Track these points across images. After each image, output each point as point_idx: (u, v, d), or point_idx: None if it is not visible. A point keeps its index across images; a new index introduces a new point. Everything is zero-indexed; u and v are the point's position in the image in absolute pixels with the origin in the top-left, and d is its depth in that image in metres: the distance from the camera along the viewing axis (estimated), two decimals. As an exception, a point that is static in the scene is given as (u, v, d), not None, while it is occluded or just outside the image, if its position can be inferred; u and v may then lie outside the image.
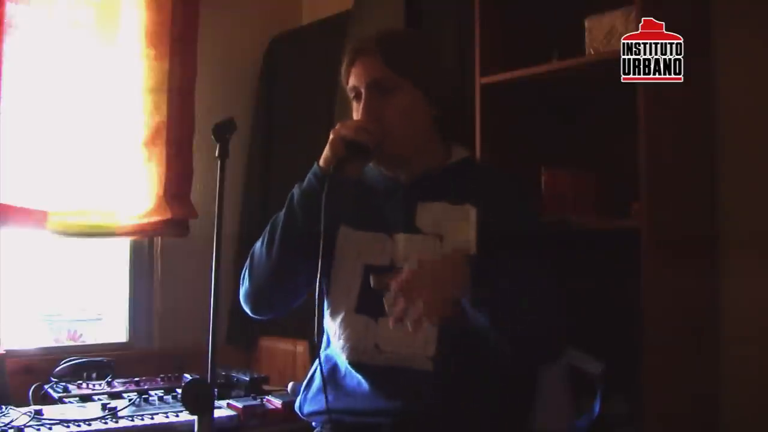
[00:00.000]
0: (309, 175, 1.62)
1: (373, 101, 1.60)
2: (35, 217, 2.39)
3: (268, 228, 1.65)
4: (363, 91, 1.61)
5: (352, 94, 1.65)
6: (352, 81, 1.63)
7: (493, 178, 1.69)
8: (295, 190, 1.64)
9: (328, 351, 1.69)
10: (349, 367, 1.62)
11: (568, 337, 1.58)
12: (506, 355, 1.51)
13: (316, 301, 1.54)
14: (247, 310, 1.72)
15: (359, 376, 1.60)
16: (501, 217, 1.56)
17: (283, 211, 1.64)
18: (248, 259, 1.69)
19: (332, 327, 1.66)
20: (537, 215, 1.73)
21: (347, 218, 1.63)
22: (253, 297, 1.69)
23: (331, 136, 1.58)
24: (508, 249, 1.51)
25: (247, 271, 1.68)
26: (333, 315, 1.66)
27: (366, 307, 1.61)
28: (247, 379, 2.39)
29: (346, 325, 1.62)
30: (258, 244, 1.67)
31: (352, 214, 1.63)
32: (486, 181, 1.67)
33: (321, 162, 1.60)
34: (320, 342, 1.67)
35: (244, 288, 1.69)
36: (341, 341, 1.62)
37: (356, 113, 1.65)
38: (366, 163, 1.62)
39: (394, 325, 1.40)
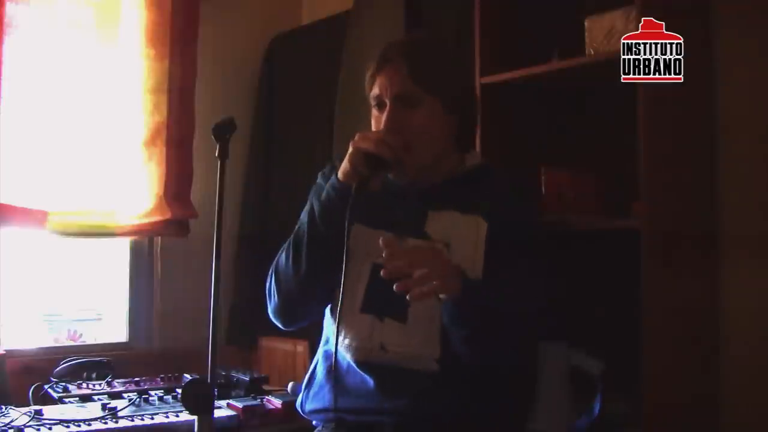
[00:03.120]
0: (328, 188, 1.62)
1: (398, 113, 1.60)
2: (35, 217, 2.39)
3: (290, 242, 1.66)
4: (387, 102, 1.61)
5: (374, 102, 1.65)
6: (376, 90, 1.63)
7: (499, 186, 1.70)
8: (315, 203, 1.64)
9: (327, 347, 1.70)
10: (352, 365, 1.62)
11: (552, 317, 1.61)
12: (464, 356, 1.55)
13: (339, 301, 1.55)
14: (279, 324, 1.74)
15: (364, 375, 1.60)
16: (504, 227, 1.58)
17: (305, 225, 1.64)
18: (272, 274, 1.70)
19: (336, 325, 1.66)
20: (539, 226, 1.73)
21: (360, 216, 1.63)
22: (284, 311, 1.70)
23: (350, 149, 1.58)
24: (506, 261, 1.53)
25: (273, 287, 1.69)
26: (335, 313, 1.66)
27: (372, 307, 1.61)
28: (247, 379, 2.39)
29: (351, 323, 1.62)
30: (281, 260, 1.68)
31: (365, 213, 1.62)
32: (494, 188, 1.68)
33: (340, 175, 1.60)
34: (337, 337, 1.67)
35: (273, 304, 1.70)
36: (347, 340, 1.62)
37: (376, 121, 1.65)
38: (385, 174, 1.63)
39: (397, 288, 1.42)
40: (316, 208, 1.63)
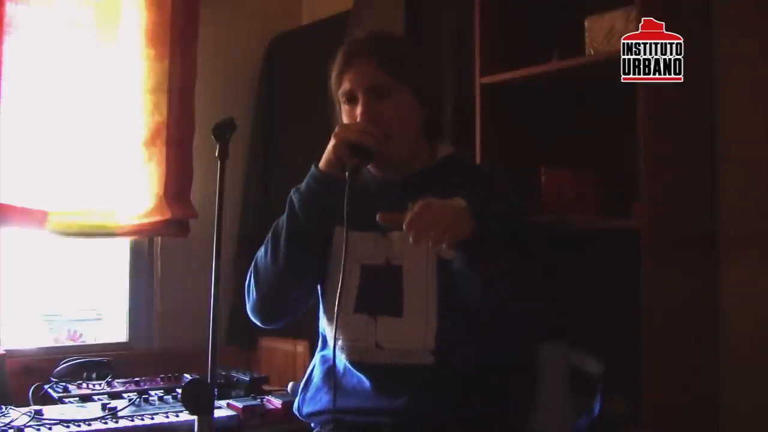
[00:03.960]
0: (308, 179, 1.63)
1: (371, 105, 1.61)
2: (35, 217, 2.39)
3: (269, 237, 1.67)
4: (360, 95, 1.62)
5: (344, 99, 1.66)
6: (346, 85, 1.65)
7: (479, 173, 1.74)
8: (294, 196, 1.64)
9: (325, 351, 1.70)
10: (348, 366, 1.62)
11: (546, 320, 1.59)
12: (489, 326, 1.54)
13: (336, 303, 1.55)
14: (257, 322, 1.73)
15: (360, 375, 1.60)
16: (491, 210, 1.57)
17: (284, 218, 1.65)
18: (251, 271, 1.70)
19: (330, 328, 1.66)
20: (526, 208, 1.74)
21: (340, 219, 1.63)
22: (262, 307, 1.70)
23: (333, 140, 1.59)
24: (495, 238, 1.52)
25: (252, 283, 1.69)
26: (330, 316, 1.66)
27: (365, 307, 1.61)
28: (247, 379, 2.39)
29: (345, 325, 1.62)
30: (260, 255, 1.68)
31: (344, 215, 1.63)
32: (474, 175, 1.70)
33: (323, 165, 1.61)
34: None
35: (251, 301, 1.70)
36: (341, 341, 1.62)
37: (347, 116, 1.66)
38: (367, 165, 1.64)
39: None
40: (295, 200, 1.63)
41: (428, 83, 1.69)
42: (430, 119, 1.69)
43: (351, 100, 1.65)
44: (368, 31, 1.73)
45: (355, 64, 1.63)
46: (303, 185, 1.64)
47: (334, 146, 1.58)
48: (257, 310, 1.71)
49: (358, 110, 1.62)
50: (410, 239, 1.43)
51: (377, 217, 1.48)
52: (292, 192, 1.66)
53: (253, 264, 1.70)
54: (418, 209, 1.43)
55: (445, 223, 1.43)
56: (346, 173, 1.56)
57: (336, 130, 1.60)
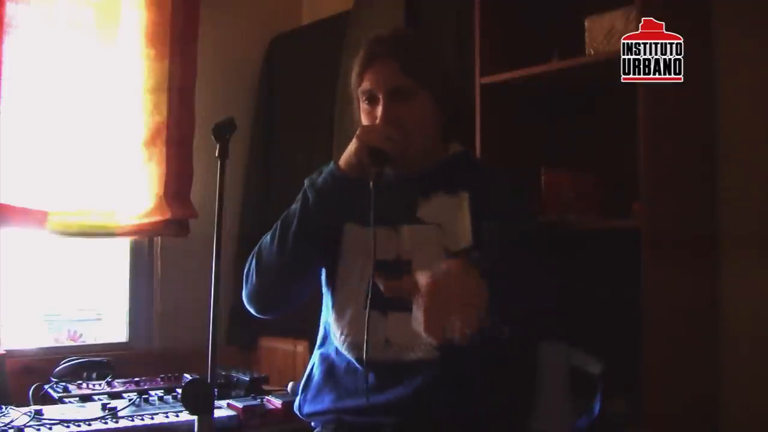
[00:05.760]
0: (326, 176, 1.62)
1: (392, 108, 1.61)
2: (35, 217, 2.39)
3: (278, 226, 1.65)
4: (381, 97, 1.61)
5: (363, 97, 1.65)
6: (366, 85, 1.63)
7: (485, 171, 1.72)
8: (309, 191, 1.63)
9: (324, 349, 1.69)
10: (353, 363, 1.61)
11: (554, 321, 1.59)
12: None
13: (368, 301, 1.53)
14: (252, 310, 1.72)
15: (364, 373, 1.60)
16: (492, 209, 1.58)
17: (296, 209, 1.64)
18: (253, 258, 1.68)
19: (339, 324, 1.65)
20: (527, 208, 1.74)
21: (353, 215, 1.63)
22: (259, 296, 1.68)
23: (356, 142, 1.58)
24: (499, 240, 1.53)
25: (253, 269, 1.67)
26: (340, 312, 1.66)
27: (375, 303, 1.61)
28: (247, 379, 2.39)
29: (355, 321, 1.61)
30: (265, 242, 1.67)
31: (357, 211, 1.62)
32: (479, 173, 1.70)
33: (343, 165, 1.60)
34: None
35: (249, 287, 1.68)
36: (350, 338, 1.62)
37: (366, 116, 1.66)
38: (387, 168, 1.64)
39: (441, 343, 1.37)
40: (311, 195, 1.62)
41: (449, 87, 1.68)
42: (450, 120, 1.69)
43: (371, 99, 1.64)
44: (392, 30, 1.72)
45: (377, 64, 1.62)
46: (320, 181, 1.63)
47: (357, 149, 1.58)
48: (254, 298, 1.69)
49: (379, 111, 1.61)
50: (422, 333, 1.34)
51: (381, 287, 1.44)
52: (306, 185, 1.65)
53: (256, 250, 1.68)
54: (425, 292, 1.35)
55: (470, 302, 1.34)
56: (371, 182, 1.54)
57: (359, 132, 1.59)
